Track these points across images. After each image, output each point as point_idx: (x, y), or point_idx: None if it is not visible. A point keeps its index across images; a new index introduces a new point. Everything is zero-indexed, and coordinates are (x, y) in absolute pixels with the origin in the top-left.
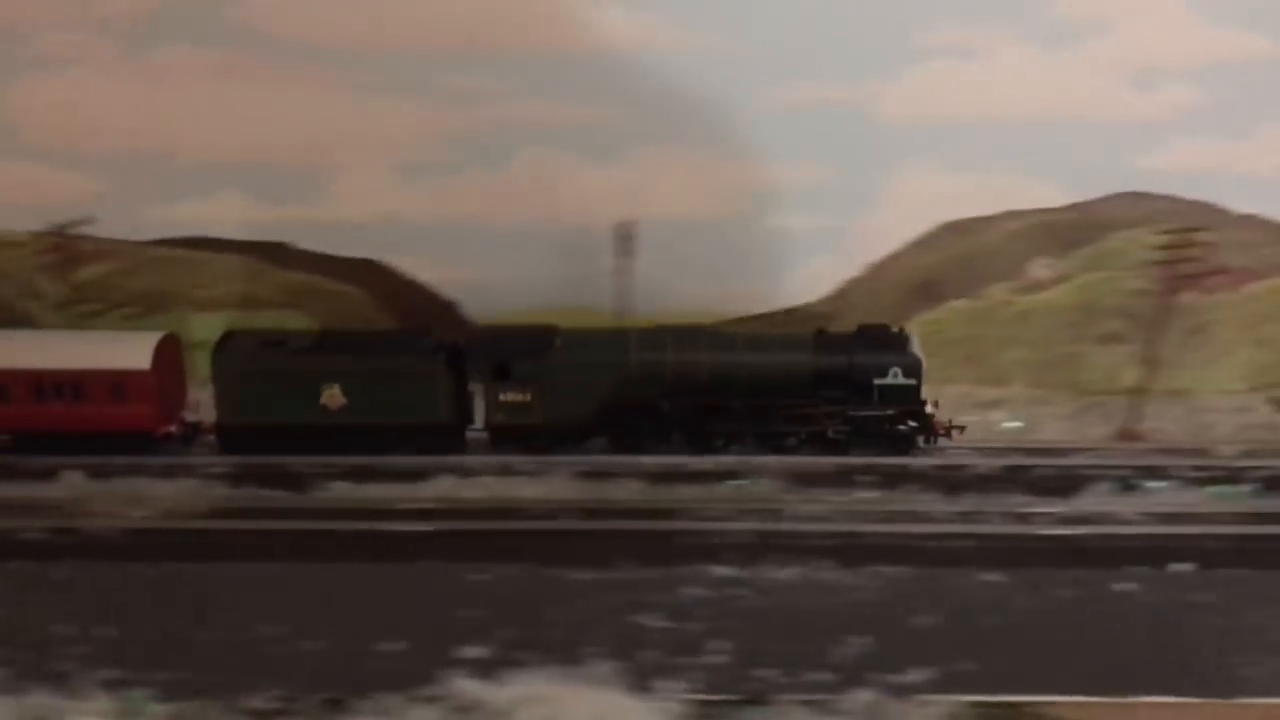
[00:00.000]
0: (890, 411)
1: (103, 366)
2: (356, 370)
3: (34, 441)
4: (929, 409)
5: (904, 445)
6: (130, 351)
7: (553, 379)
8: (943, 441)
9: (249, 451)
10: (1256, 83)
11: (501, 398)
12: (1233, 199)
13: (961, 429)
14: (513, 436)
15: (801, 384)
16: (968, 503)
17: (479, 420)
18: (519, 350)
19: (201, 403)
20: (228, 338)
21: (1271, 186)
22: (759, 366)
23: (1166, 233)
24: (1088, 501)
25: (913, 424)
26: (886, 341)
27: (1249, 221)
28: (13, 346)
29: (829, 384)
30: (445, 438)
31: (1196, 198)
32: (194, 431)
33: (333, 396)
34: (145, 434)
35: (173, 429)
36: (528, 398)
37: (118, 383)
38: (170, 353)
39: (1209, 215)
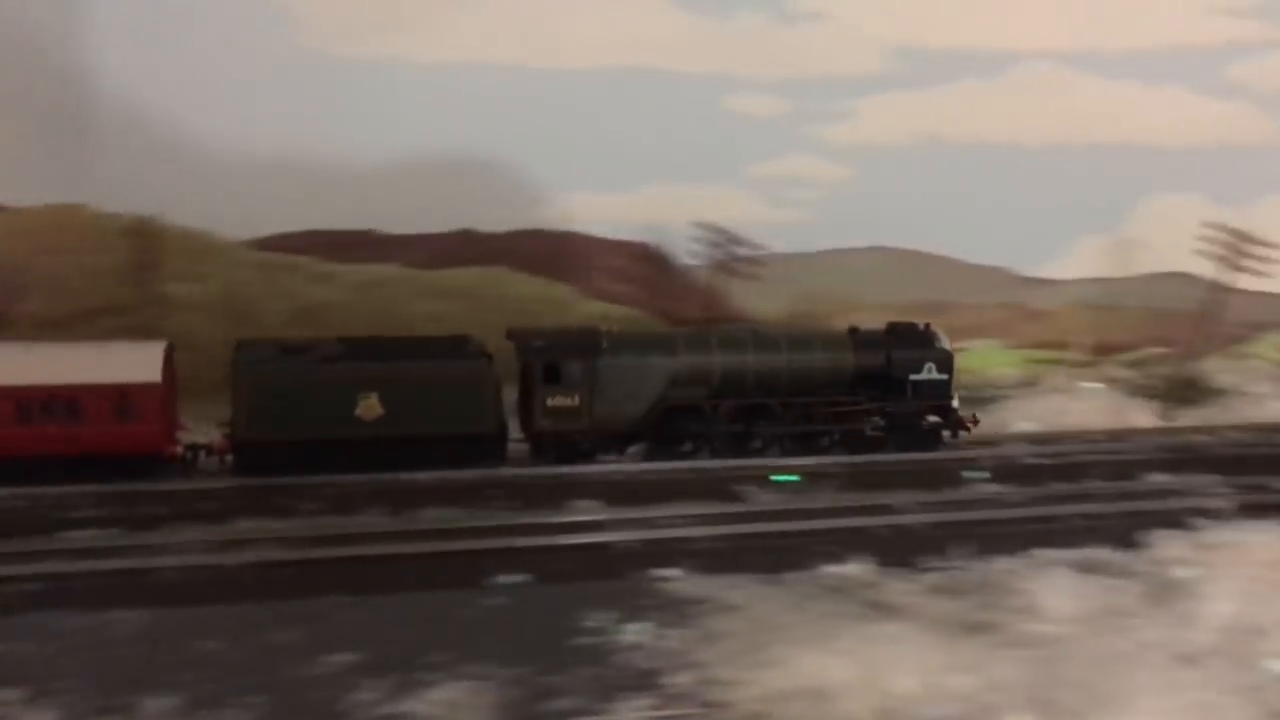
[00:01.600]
0: (925, 406)
1: (104, 380)
2: (398, 377)
3: (13, 469)
4: (955, 403)
5: (934, 440)
6: (135, 362)
7: (603, 382)
8: None
9: (269, 472)
10: None
11: (549, 402)
12: None
13: (977, 421)
14: (558, 443)
15: (842, 382)
16: None
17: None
18: (569, 352)
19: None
20: (242, 346)
21: None
22: (803, 366)
23: None
24: None
25: (937, 418)
26: (917, 337)
27: None
28: None
29: (866, 381)
30: (489, 449)
31: None
32: (195, 453)
33: (369, 407)
34: (151, 456)
35: (178, 449)
36: (576, 401)
37: (122, 398)
38: (169, 364)
39: None
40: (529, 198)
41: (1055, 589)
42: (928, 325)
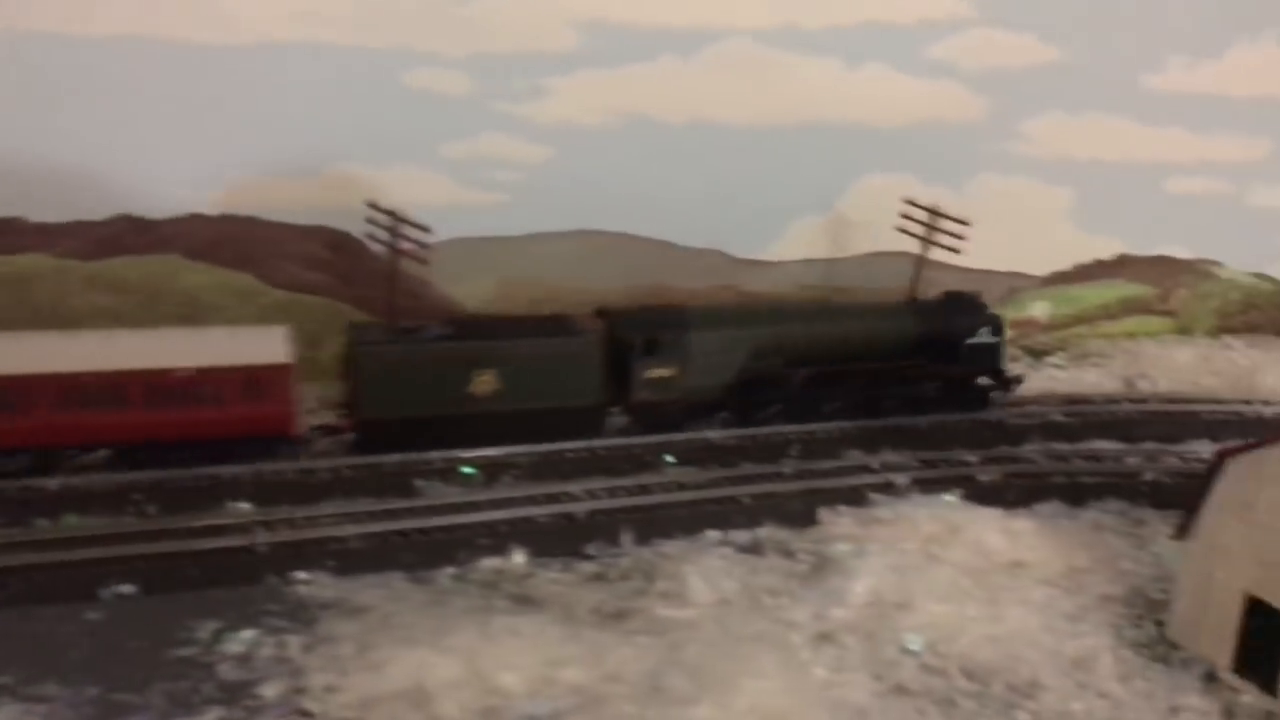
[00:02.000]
0: (978, 368)
1: (235, 362)
2: (514, 354)
3: (141, 454)
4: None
5: (984, 401)
6: (264, 343)
7: (695, 354)
8: None
9: (388, 449)
10: None
11: (647, 374)
12: None
13: (1020, 380)
14: (654, 413)
15: (904, 348)
16: None
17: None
18: (665, 327)
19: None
20: (354, 330)
21: None
22: (871, 334)
23: None
24: None
25: (988, 380)
26: (969, 304)
27: None
28: (121, 347)
29: (926, 347)
30: (593, 421)
31: None
32: (316, 433)
33: (484, 383)
34: (280, 438)
35: (304, 431)
36: (672, 373)
37: (252, 380)
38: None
39: None
40: (198, 181)
41: (710, 571)
42: (977, 293)
